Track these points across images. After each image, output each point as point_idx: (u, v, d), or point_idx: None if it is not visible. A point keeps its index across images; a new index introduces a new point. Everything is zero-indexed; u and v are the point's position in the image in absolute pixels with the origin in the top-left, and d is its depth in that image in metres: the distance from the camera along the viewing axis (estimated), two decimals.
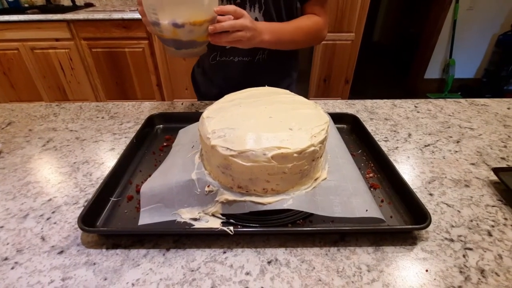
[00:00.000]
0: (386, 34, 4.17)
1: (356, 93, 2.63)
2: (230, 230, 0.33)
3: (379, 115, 0.64)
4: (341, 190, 0.38)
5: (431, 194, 0.41)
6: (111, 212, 0.38)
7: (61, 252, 0.33)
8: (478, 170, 0.46)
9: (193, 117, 0.57)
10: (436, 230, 0.36)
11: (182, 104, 0.69)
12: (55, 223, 0.37)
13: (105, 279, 0.30)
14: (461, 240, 0.34)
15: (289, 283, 0.29)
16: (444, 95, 2.76)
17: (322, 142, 0.36)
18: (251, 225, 0.35)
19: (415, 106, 0.68)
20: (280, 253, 0.33)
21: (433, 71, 2.81)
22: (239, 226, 0.35)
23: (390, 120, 0.62)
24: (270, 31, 0.62)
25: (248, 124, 0.36)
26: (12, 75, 2.28)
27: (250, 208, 0.35)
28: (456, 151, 0.51)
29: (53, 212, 0.38)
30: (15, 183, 0.44)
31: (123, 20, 2.01)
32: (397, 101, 0.70)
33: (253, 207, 0.35)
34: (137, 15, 1.96)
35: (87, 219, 0.34)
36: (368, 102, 0.70)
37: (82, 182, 0.44)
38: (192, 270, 0.31)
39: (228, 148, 0.34)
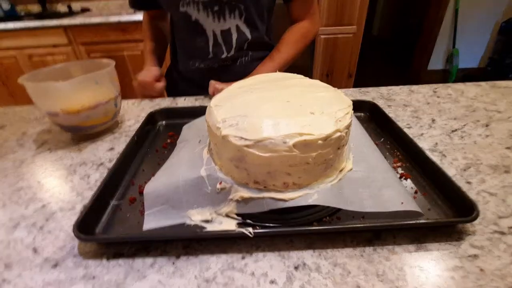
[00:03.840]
0: (386, 27, 4.12)
1: (360, 87, 2.58)
2: (249, 232, 0.28)
3: (397, 102, 0.59)
4: (371, 182, 0.33)
5: (469, 183, 0.37)
6: (111, 216, 0.34)
7: (55, 265, 0.28)
8: None
9: (198, 111, 0.52)
10: (483, 222, 0.31)
11: (184, 99, 0.65)
12: (49, 232, 0.32)
13: None
14: None
15: None
16: None
17: (348, 127, 0.32)
18: (271, 225, 0.31)
19: (434, 91, 0.63)
20: (307, 256, 0.28)
21: (436, 62, 2.76)
22: (258, 227, 0.30)
23: (409, 106, 0.57)
24: (264, 68, 0.67)
25: (263, 109, 0.32)
26: (10, 84, 2.25)
27: (269, 206, 0.30)
28: (487, 135, 0.46)
29: (46, 220, 0.34)
30: (5, 189, 0.39)
31: (120, 23, 1.97)
32: (414, 87, 0.66)
33: (273, 204, 0.30)
34: (134, 17, 1.93)
35: (84, 225, 0.30)
36: (383, 89, 0.65)
37: (79, 185, 0.39)
38: (207, 281, 0.26)
39: (242, 138, 0.29)
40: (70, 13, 2.24)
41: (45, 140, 0.51)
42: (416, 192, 0.35)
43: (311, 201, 0.30)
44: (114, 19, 1.96)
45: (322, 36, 2.09)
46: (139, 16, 1.91)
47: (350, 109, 0.33)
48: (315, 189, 0.31)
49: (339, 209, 0.32)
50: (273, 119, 0.30)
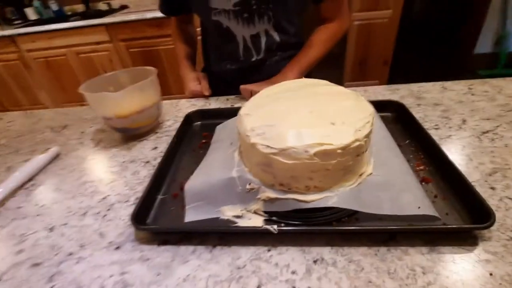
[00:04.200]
0: (428, 8, 3.79)
1: (397, 75, 2.45)
2: (274, 229, 0.32)
3: (428, 100, 0.58)
4: (389, 186, 0.36)
5: (492, 188, 0.37)
6: (159, 209, 0.40)
7: (117, 248, 0.35)
8: None
9: (229, 112, 0.57)
10: (501, 228, 0.32)
11: (217, 99, 0.70)
12: (110, 220, 0.40)
13: (159, 275, 0.32)
14: None
15: (337, 284, 0.29)
16: (497, 70, 2.47)
17: (368, 135, 0.34)
18: (294, 222, 0.35)
19: (469, 88, 0.61)
20: (326, 252, 0.32)
21: (484, 45, 2.51)
22: (282, 224, 0.35)
23: (440, 105, 0.56)
24: (289, 72, 0.69)
25: (288, 120, 0.35)
26: (62, 79, 2.49)
27: (293, 206, 0.34)
28: None
29: (108, 210, 0.41)
30: (74, 183, 0.48)
31: (155, 19, 2.07)
32: (448, 83, 0.64)
33: (296, 205, 0.34)
34: None
35: (139, 217, 0.36)
36: (414, 86, 0.64)
37: (131, 180, 0.47)
38: (239, 268, 0.31)
39: (268, 146, 0.33)
40: (110, 10, 2.38)
41: (101, 139, 0.59)
42: (435, 197, 0.37)
43: (330, 203, 0.33)
44: (150, 15, 2.06)
45: (356, 23, 2.00)
46: None
47: (371, 117, 0.35)
48: (335, 192, 0.34)
49: (358, 211, 0.35)
50: (297, 129, 0.33)
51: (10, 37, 2.27)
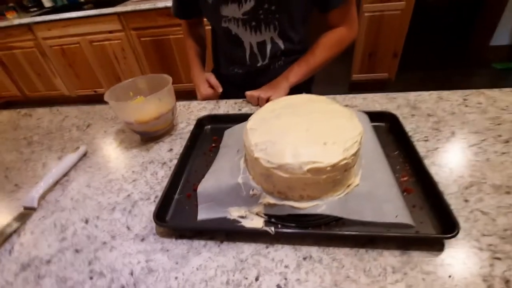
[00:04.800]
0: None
1: (406, 68, 2.43)
2: (271, 231, 0.39)
3: (422, 111, 0.62)
4: (373, 196, 0.41)
5: (466, 201, 0.42)
6: (175, 207, 0.47)
7: (142, 240, 0.43)
8: None
9: (236, 117, 0.63)
10: (466, 237, 0.38)
11: (225, 103, 0.75)
12: (135, 215, 0.47)
13: (177, 263, 0.39)
14: (491, 250, 0.36)
15: (321, 278, 0.35)
16: None
17: (355, 154, 0.39)
18: (289, 224, 0.41)
19: (464, 99, 0.65)
20: (314, 251, 0.38)
21: (501, 37, 2.44)
22: (279, 225, 0.41)
23: (433, 116, 0.60)
24: (292, 75, 0.73)
25: (287, 137, 0.41)
26: (76, 66, 2.57)
27: (288, 211, 0.41)
28: (503, 153, 0.49)
29: (132, 206, 0.49)
30: (101, 180, 0.55)
31: (166, 8, 2.09)
32: (445, 93, 0.67)
33: (291, 210, 0.40)
34: None
35: (159, 214, 0.43)
36: (412, 95, 0.68)
37: (150, 180, 0.53)
38: (242, 261, 0.38)
39: (269, 161, 0.39)
40: None
41: (122, 139, 0.66)
42: (414, 206, 0.42)
43: (320, 211, 0.39)
44: (161, 4, 2.08)
45: (366, 14, 1.98)
46: None
47: (359, 137, 0.40)
48: (325, 201, 0.40)
49: None
50: (294, 147, 0.39)
51: (27, 25, 2.34)
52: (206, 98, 0.79)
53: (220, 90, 0.79)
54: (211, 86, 0.81)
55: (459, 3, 3.27)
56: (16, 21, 2.32)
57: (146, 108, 0.56)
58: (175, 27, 2.20)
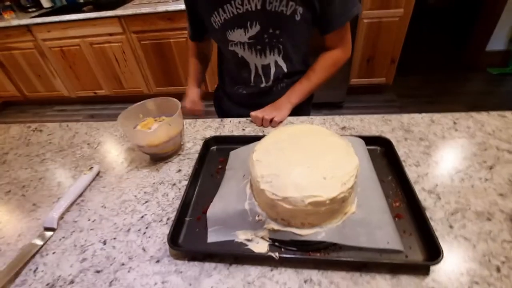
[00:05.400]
0: (441, 4, 3.68)
1: (403, 73, 2.47)
2: (276, 256, 0.43)
3: (415, 135, 0.67)
4: (367, 223, 0.46)
5: (451, 227, 0.47)
6: (187, 230, 0.51)
7: (157, 261, 0.47)
8: (504, 202, 0.50)
9: (241, 139, 0.67)
10: (450, 263, 0.42)
11: (230, 121, 0.79)
12: (149, 237, 0.51)
13: (190, 285, 0.43)
14: (470, 274, 0.40)
15: None
16: (509, 69, 2.46)
17: (352, 187, 0.43)
18: (292, 248, 0.46)
19: (454, 123, 0.69)
20: (314, 274, 0.43)
21: (497, 42, 2.48)
22: (282, 249, 0.46)
23: (424, 140, 0.65)
24: (293, 96, 0.79)
25: (290, 172, 0.45)
26: (76, 68, 2.58)
27: (291, 237, 0.45)
28: (487, 179, 0.54)
29: (146, 228, 0.53)
30: (115, 200, 0.59)
31: (167, 12, 2.11)
32: (436, 116, 0.72)
33: (294, 236, 0.45)
34: (179, 7, 2.05)
35: (173, 237, 0.48)
36: (405, 118, 0.72)
37: (162, 201, 0.58)
38: (249, 283, 0.43)
39: (274, 193, 0.43)
40: (123, 1, 2.41)
41: (132, 158, 0.70)
42: (404, 232, 0.47)
43: (319, 238, 0.44)
44: (161, 8, 2.10)
45: (365, 20, 2.02)
46: (183, 6, 2.04)
47: (355, 170, 0.45)
48: (324, 228, 0.45)
49: None
50: (296, 181, 0.43)
51: (26, 26, 2.34)
52: (188, 113, 0.85)
53: (199, 108, 0.88)
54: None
55: (457, 9, 3.30)
56: (15, 22, 2.32)
57: (157, 133, 0.60)
58: (176, 31, 2.22)
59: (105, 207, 0.58)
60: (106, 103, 2.85)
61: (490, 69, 2.54)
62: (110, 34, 2.32)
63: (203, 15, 0.73)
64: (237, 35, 0.72)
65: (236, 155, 0.64)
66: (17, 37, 2.44)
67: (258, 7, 0.66)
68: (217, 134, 0.75)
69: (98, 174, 0.66)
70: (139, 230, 0.52)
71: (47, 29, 2.36)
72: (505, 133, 0.64)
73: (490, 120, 0.69)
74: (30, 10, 2.64)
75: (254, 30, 0.70)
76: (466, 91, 2.39)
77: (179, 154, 0.69)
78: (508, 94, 2.27)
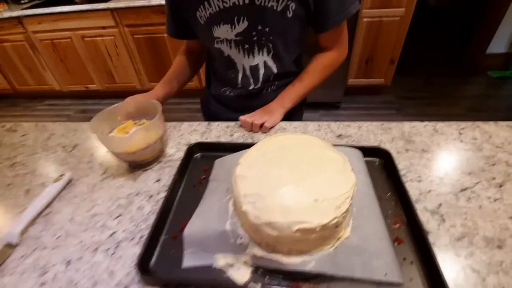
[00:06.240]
0: (442, 5, 3.63)
1: (402, 74, 2.42)
2: (258, 287, 0.38)
3: (416, 145, 0.61)
4: (362, 250, 0.40)
5: (457, 255, 0.42)
6: (161, 251, 0.45)
7: None
8: None
9: (228, 147, 0.61)
10: None
11: (217, 125, 0.73)
12: (119, 257, 0.45)
13: None
14: None
15: None
16: (509, 73, 2.42)
17: (347, 210, 0.38)
18: (277, 276, 0.40)
19: (460, 133, 0.64)
20: None
21: (498, 45, 2.43)
22: (266, 277, 0.40)
23: (427, 152, 0.59)
24: (287, 100, 0.73)
25: (277, 192, 0.39)
26: (67, 61, 2.51)
27: (276, 266, 0.40)
28: (496, 199, 0.49)
29: (116, 247, 0.47)
30: (85, 213, 0.53)
31: (161, 5, 2.04)
32: (439, 125, 0.66)
33: (279, 265, 0.39)
34: None
35: (143, 261, 0.42)
36: (406, 126, 0.67)
37: (136, 216, 0.52)
38: None
39: (257, 217, 0.38)
40: None
41: (109, 164, 0.64)
42: (404, 259, 0.41)
43: (308, 268, 0.38)
44: (155, 1, 2.02)
45: (365, 19, 1.95)
46: None
47: (351, 191, 0.39)
48: (314, 256, 0.39)
49: None
50: (283, 204, 0.37)
51: (17, 18, 2.25)
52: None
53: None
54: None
55: (458, 11, 3.25)
56: (6, 14, 2.24)
57: (134, 139, 0.54)
58: None
59: (73, 221, 0.52)
60: (98, 98, 2.77)
61: (490, 72, 2.49)
62: (103, 27, 2.24)
63: (188, 10, 0.67)
64: (223, 32, 0.66)
65: (221, 164, 0.59)
66: (8, 30, 2.36)
67: (246, 1, 0.59)
68: (203, 139, 0.69)
69: (70, 182, 0.60)
70: (107, 249, 0.47)
71: (38, 21, 2.28)
72: None
73: (498, 131, 0.63)
74: (22, 1, 2.55)
75: (242, 26, 0.63)
76: (465, 94, 2.34)
77: (160, 161, 0.63)
78: (508, 98, 2.22)
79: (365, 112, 2.24)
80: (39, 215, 0.54)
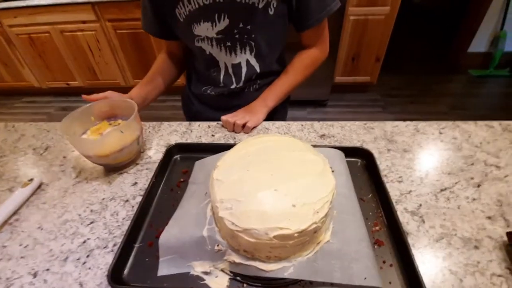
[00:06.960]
0: (426, 4, 3.69)
1: (388, 71, 2.45)
2: None
3: (398, 145, 0.61)
4: (342, 254, 0.40)
5: (436, 257, 0.42)
6: (135, 259, 0.43)
7: None
8: (493, 227, 0.45)
9: (209, 148, 0.60)
10: None
11: (199, 125, 0.71)
12: (89, 268, 0.43)
13: None
14: None
15: None
16: (489, 71, 2.49)
17: (326, 215, 0.37)
18: (256, 284, 0.39)
19: (440, 132, 0.64)
20: None
21: (479, 44, 2.50)
22: (245, 285, 0.39)
23: (409, 152, 0.59)
24: (269, 99, 0.71)
25: (254, 197, 0.38)
26: (46, 57, 2.40)
27: (254, 273, 0.38)
28: (474, 199, 0.49)
29: (87, 256, 0.44)
30: (55, 220, 0.50)
31: None
32: (421, 125, 0.66)
33: (257, 272, 0.38)
34: None
35: (116, 270, 0.40)
36: (389, 126, 0.67)
37: (110, 222, 0.49)
38: None
39: (234, 223, 0.36)
40: None
41: (82, 167, 0.61)
42: (384, 262, 0.41)
43: (286, 274, 0.37)
44: None
45: (352, 17, 1.96)
46: None
47: (331, 195, 0.38)
48: (292, 262, 0.38)
49: None
50: (260, 210, 0.36)
51: None
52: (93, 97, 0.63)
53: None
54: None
55: (442, 9, 3.32)
56: None
57: (107, 142, 0.51)
58: None
59: (42, 229, 0.49)
60: (80, 95, 2.67)
61: (471, 71, 2.56)
62: (83, 22, 2.16)
63: (166, 6, 0.64)
64: (204, 29, 0.63)
65: (201, 166, 0.57)
66: None
67: None
68: (184, 140, 0.67)
69: (40, 186, 0.57)
70: (78, 259, 0.44)
71: (13, 14, 2.17)
72: (493, 145, 0.60)
73: (477, 130, 0.64)
74: None
75: (223, 24, 0.61)
76: (447, 92, 2.40)
77: (138, 164, 0.61)
78: (487, 96, 2.29)
79: (351, 110, 2.26)
80: (5, 223, 0.50)
